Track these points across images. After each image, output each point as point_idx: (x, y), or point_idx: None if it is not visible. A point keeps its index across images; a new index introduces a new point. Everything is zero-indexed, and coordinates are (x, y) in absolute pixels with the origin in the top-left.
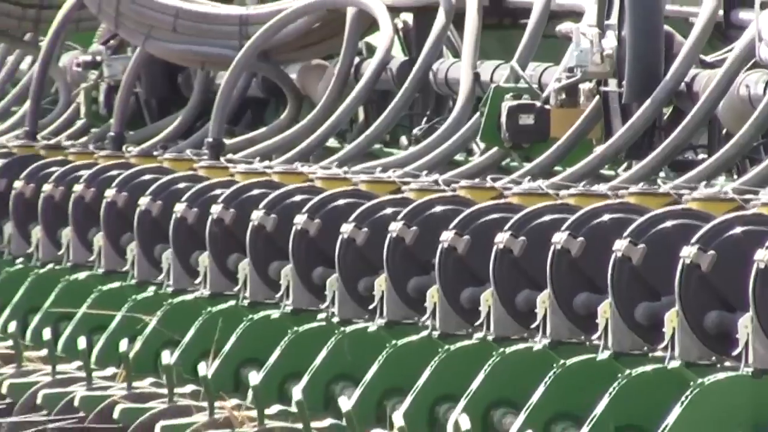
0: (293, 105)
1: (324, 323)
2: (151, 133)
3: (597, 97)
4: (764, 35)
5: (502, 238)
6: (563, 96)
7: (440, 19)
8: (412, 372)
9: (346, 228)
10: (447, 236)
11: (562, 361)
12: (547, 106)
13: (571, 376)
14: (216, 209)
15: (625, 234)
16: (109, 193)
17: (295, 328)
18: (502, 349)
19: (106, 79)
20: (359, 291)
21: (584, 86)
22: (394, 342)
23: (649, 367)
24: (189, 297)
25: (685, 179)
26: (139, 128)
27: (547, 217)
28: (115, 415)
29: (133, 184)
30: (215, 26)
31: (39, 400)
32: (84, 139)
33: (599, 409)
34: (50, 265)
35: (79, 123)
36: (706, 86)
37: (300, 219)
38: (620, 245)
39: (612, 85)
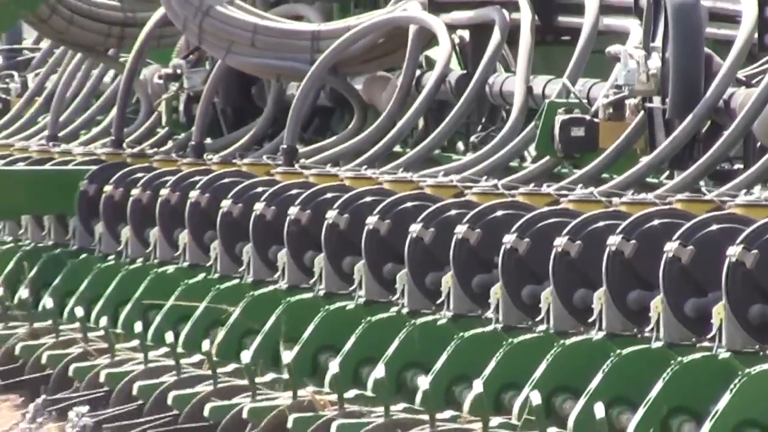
0: (359, 114)
1: (395, 314)
2: (229, 142)
3: (642, 112)
4: None
5: (560, 242)
6: (611, 110)
7: (496, 36)
8: (478, 361)
9: (415, 228)
10: (509, 239)
11: (618, 351)
12: (596, 120)
13: (628, 364)
14: (293, 210)
15: (675, 237)
16: (193, 194)
17: (369, 318)
18: (562, 341)
19: (186, 90)
20: (426, 285)
21: (630, 102)
22: (461, 334)
23: (698, 355)
24: (268, 289)
25: (727, 188)
26: (216, 136)
27: (600, 223)
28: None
29: (215, 187)
30: (289, 41)
31: (135, 391)
32: (166, 147)
33: (653, 393)
34: (139, 262)
35: (160, 131)
36: (743, 104)
37: (371, 220)
38: (671, 247)
39: (656, 101)
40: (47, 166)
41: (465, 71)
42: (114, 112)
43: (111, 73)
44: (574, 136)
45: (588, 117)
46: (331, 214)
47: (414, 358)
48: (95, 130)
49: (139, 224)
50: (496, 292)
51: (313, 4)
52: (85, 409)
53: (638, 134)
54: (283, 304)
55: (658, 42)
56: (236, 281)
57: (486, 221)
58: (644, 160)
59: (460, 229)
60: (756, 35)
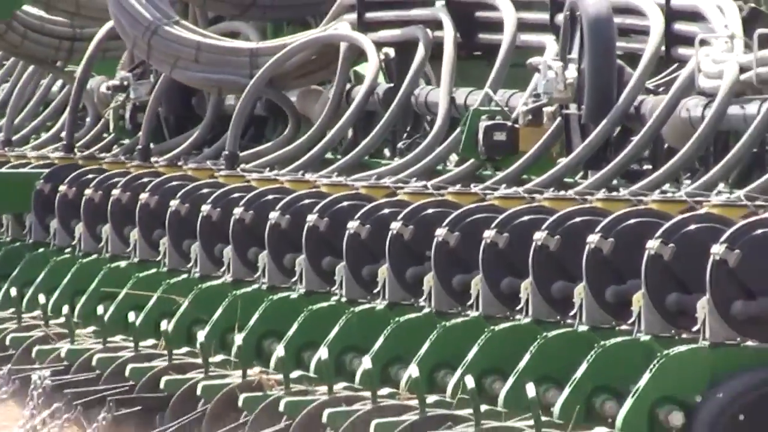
0: (293, 124)
1: (334, 303)
2: (171, 146)
3: (559, 118)
4: (702, 67)
5: (489, 234)
6: (530, 117)
7: (420, 51)
8: (411, 344)
9: (352, 225)
10: (441, 233)
11: (544, 334)
12: (516, 125)
13: (553, 346)
14: (237, 210)
15: (596, 230)
16: (143, 196)
17: (310, 307)
18: (491, 326)
19: (131, 100)
20: (363, 277)
21: (547, 109)
22: (396, 319)
23: (620, 338)
24: (214, 282)
25: (640, 186)
26: (158, 141)
27: (525, 217)
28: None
29: (164, 189)
30: (230, 57)
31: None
32: (115, 150)
33: (578, 373)
34: (93, 256)
35: (107, 137)
36: (653, 110)
37: (311, 218)
38: (593, 239)
39: (572, 108)
40: (3, 169)
41: (392, 84)
42: (64, 118)
43: (59, 82)
44: (496, 140)
45: (509, 123)
46: (273, 215)
47: (353, 342)
48: (45, 136)
49: (92, 221)
50: (429, 281)
51: (248, 22)
52: (47, 372)
53: (555, 138)
54: (230, 296)
55: (574, 54)
56: (185, 275)
57: (418, 218)
58: (562, 161)
59: (395, 226)
60: (663, 48)
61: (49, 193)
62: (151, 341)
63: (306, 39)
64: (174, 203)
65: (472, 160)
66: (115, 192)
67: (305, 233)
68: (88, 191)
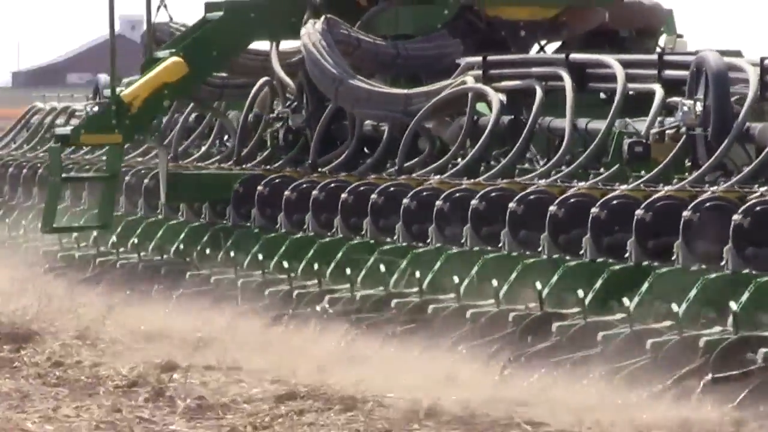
0: (431, 144)
1: None
2: (330, 160)
3: (684, 137)
4: None
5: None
6: (657, 137)
7: (539, 94)
8: None
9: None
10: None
11: None
12: (648, 142)
13: None
14: (473, 202)
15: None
16: (343, 196)
17: None
18: None
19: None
20: None
21: (669, 132)
22: None
23: None
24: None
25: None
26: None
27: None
28: None
29: (360, 191)
30: (390, 99)
31: None
32: (278, 164)
33: None
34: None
35: (263, 153)
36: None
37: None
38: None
39: (698, 131)
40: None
41: (512, 116)
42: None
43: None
44: (636, 151)
45: (645, 140)
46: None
47: None
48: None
49: (293, 211)
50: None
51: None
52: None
53: (682, 152)
54: None
55: (699, 94)
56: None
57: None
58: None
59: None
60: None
61: (244, 192)
62: None
63: (451, 90)
64: (374, 197)
65: (617, 166)
66: (315, 192)
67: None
68: (287, 192)
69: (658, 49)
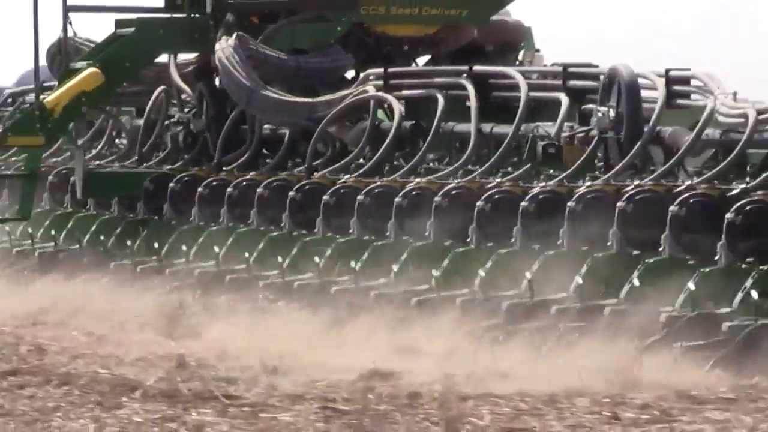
0: (333, 147)
1: None
2: (230, 161)
3: (596, 140)
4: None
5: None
6: (567, 140)
7: (441, 101)
8: None
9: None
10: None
11: None
12: (560, 144)
13: None
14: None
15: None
16: (260, 191)
17: None
18: None
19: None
20: None
21: (579, 135)
22: None
23: None
24: None
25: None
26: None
27: None
28: None
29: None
30: (295, 108)
31: None
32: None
33: None
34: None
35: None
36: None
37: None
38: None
39: (611, 134)
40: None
41: (414, 121)
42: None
43: None
44: (550, 153)
45: (557, 143)
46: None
47: None
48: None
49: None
50: None
51: None
52: None
53: (593, 153)
54: None
55: (612, 102)
56: None
57: None
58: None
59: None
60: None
61: (154, 188)
62: None
63: (354, 98)
64: (293, 194)
65: (529, 164)
66: (230, 189)
67: None
68: (200, 189)
69: (517, 63)
